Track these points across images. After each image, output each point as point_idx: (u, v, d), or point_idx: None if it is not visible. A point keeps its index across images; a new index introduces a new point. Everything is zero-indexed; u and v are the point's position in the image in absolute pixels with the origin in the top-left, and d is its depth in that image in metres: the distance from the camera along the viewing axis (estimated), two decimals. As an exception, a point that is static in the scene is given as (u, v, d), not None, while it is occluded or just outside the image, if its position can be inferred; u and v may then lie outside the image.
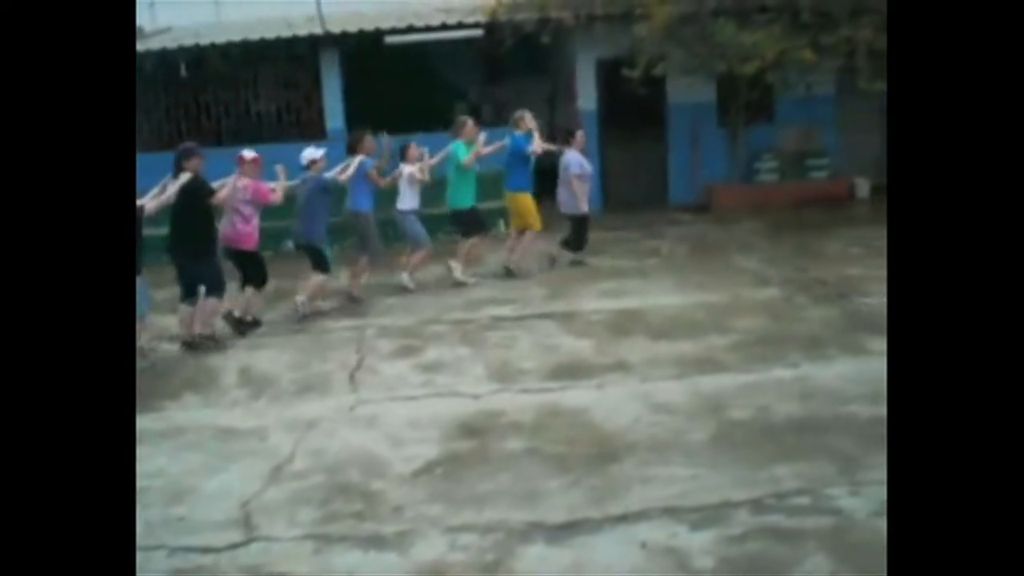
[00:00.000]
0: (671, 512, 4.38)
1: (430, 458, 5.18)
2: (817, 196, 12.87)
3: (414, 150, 9.12)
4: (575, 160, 9.67)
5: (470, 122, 9.36)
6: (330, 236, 8.71)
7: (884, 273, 8.44)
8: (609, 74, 12.50)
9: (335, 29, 12.32)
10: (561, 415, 5.72)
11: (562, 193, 9.82)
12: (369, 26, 12.34)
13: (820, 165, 13.38)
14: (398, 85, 13.73)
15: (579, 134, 9.93)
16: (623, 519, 4.35)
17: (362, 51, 12.75)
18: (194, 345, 7.62)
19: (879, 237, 10.45)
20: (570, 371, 6.52)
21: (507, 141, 9.42)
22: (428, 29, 12.25)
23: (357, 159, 8.68)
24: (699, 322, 7.56)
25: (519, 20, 12.09)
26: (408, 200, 9.06)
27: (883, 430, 5.13)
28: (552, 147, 9.79)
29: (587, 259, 9.97)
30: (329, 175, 8.56)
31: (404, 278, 9.14)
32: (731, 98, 12.65)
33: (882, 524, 4.21)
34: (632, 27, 11.35)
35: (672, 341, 7.07)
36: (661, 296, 8.52)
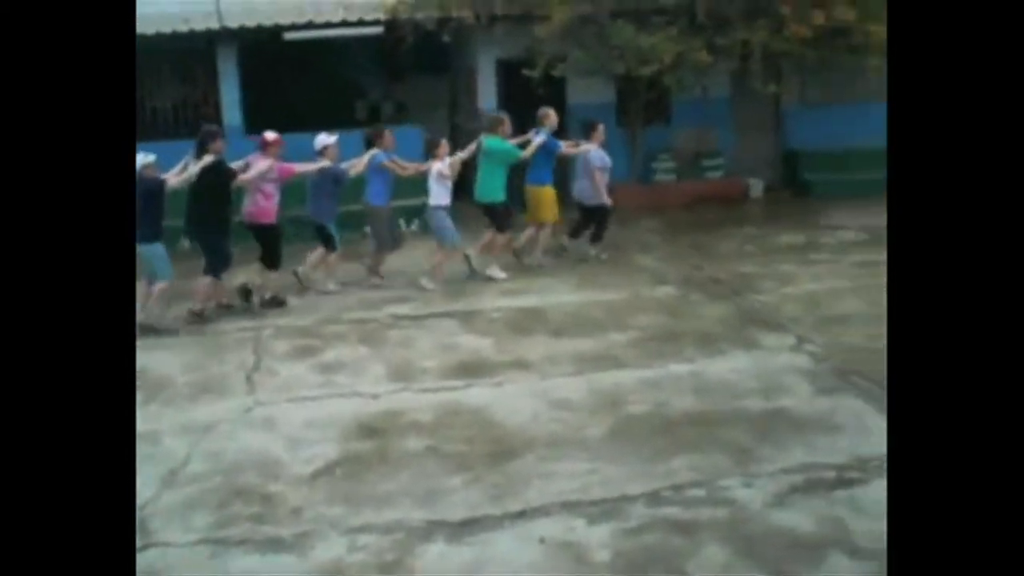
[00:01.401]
0: (569, 507, 4.44)
1: (329, 459, 5.13)
2: (713, 195, 13.16)
3: (443, 147, 9.21)
4: (596, 154, 9.78)
5: (507, 119, 9.42)
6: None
7: (776, 270, 8.67)
8: (510, 74, 12.55)
9: (233, 24, 12.04)
10: (461, 413, 5.73)
11: (583, 186, 9.97)
12: (267, 21, 12.10)
13: (715, 165, 13.69)
14: (297, 82, 13.50)
15: (600, 128, 9.96)
16: (522, 515, 4.38)
17: (261, 47, 12.51)
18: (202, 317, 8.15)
19: (771, 235, 10.85)
20: (470, 369, 6.53)
21: (543, 137, 9.43)
22: (328, 25, 12.09)
23: (370, 153, 8.92)
24: (598, 320, 7.66)
25: (420, 18, 12.02)
26: (438, 196, 9.08)
27: (776, 422, 5.37)
28: (578, 147, 9.93)
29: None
30: (343, 166, 8.87)
31: (424, 280, 9.09)
32: (630, 99, 12.83)
33: (776, 514, 4.36)
34: (532, 28, 11.41)
35: (572, 338, 7.15)
36: (562, 294, 8.60)
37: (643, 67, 10.98)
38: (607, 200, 9.88)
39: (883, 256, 9.54)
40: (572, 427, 5.43)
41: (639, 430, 5.36)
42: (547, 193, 9.67)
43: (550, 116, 9.59)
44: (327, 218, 8.86)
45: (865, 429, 5.31)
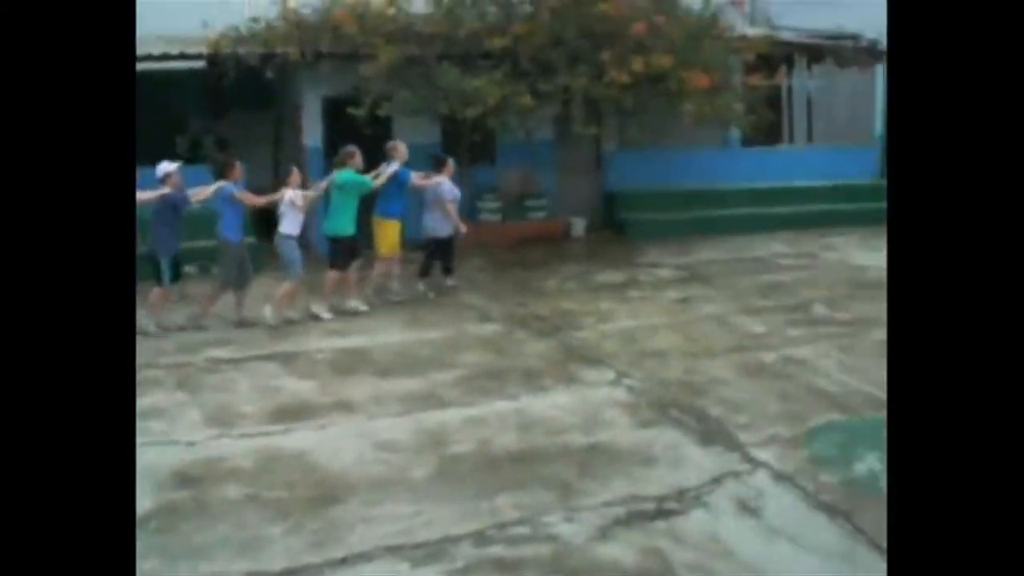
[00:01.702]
0: (393, 551, 4.38)
1: (143, 510, 4.86)
2: (536, 235, 13.49)
3: (296, 175, 9.12)
4: (447, 187, 10.04)
5: (357, 152, 9.39)
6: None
7: (596, 307, 8.88)
8: (335, 112, 12.46)
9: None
10: (282, 459, 5.58)
11: (432, 218, 10.11)
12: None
13: (539, 206, 14.03)
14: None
15: (450, 162, 10.23)
16: (344, 562, 4.29)
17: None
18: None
19: (592, 273, 11.19)
20: (292, 413, 6.37)
21: (395, 167, 9.59)
22: (149, 58, 11.66)
23: (218, 184, 8.82)
24: (424, 358, 7.65)
25: (243, 54, 11.80)
26: (289, 225, 8.96)
27: (596, 456, 5.50)
28: (429, 179, 10.05)
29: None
30: (185, 193, 8.65)
31: (267, 311, 8.84)
32: (455, 140, 12.99)
33: (599, 548, 4.45)
34: (358, 66, 11.40)
35: (397, 378, 7.10)
36: (388, 334, 8.55)
37: (468, 109, 11.16)
38: (462, 228, 10.21)
39: (698, 291, 9.97)
40: (397, 468, 5.38)
41: (464, 469, 5.37)
42: (392, 226, 9.82)
43: (399, 148, 9.82)
44: (165, 251, 8.61)
45: (682, 460, 5.52)
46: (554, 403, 6.47)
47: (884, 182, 15.56)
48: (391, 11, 11.97)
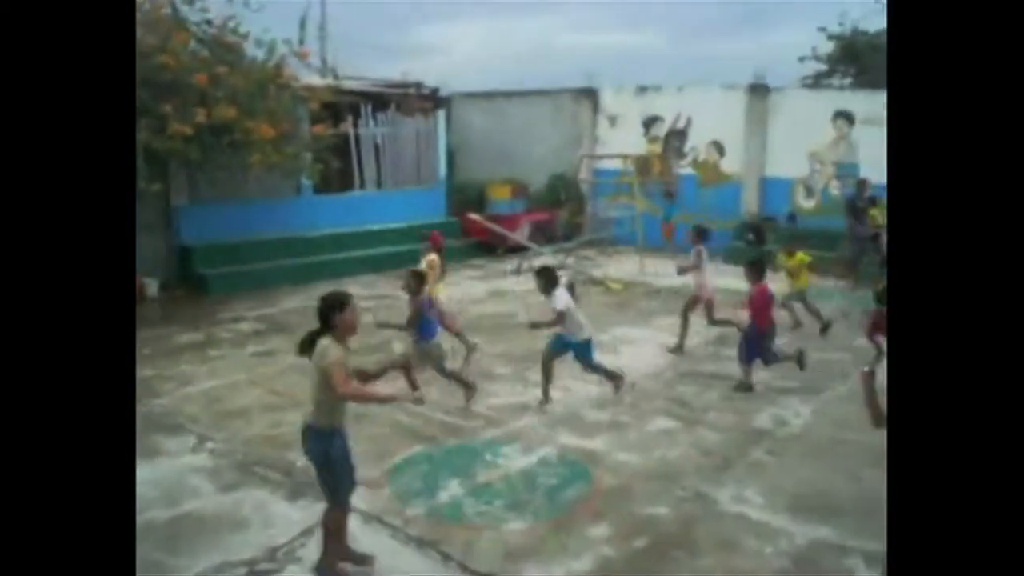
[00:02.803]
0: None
1: None
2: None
3: None
4: None
5: None
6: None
7: (176, 371, 8.46)
8: None
9: None
10: None
11: None
12: None
13: (107, 266, 13.13)
14: None
15: None
16: None
17: None
18: None
19: (170, 335, 10.66)
20: None
21: None
22: None
23: None
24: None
25: None
26: None
27: (183, 528, 5.27)
28: None
29: None
30: None
31: None
32: None
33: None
34: None
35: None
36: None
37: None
38: None
39: (279, 343, 9.84)
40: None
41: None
42: None
43: None
44: None
45: (270, 519, 5.50)
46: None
47: (452, 220, 16.72)
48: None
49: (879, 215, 13.08)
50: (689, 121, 17.67)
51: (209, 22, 12.16)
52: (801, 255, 10.74)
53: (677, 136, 17.89)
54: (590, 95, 19.02)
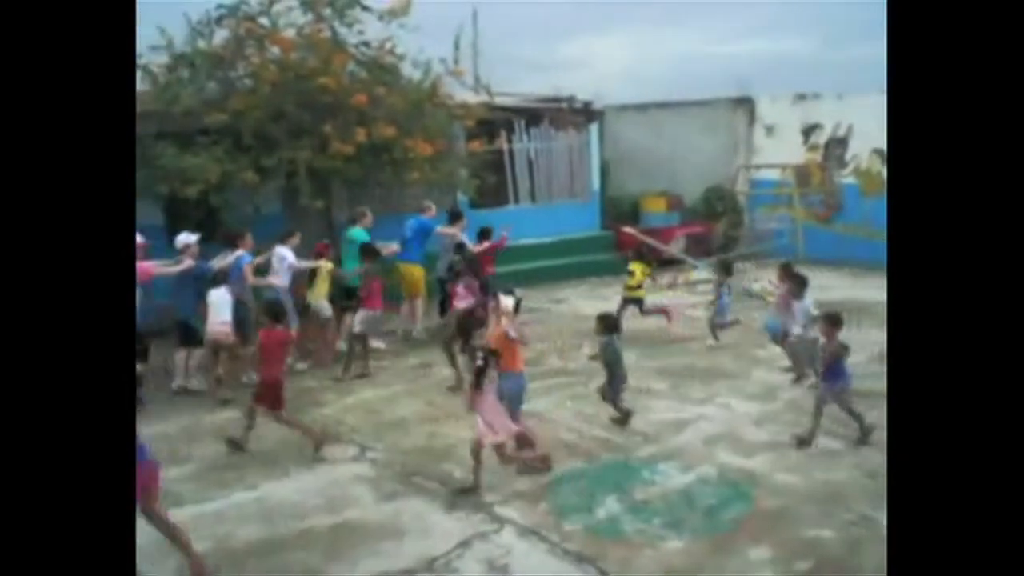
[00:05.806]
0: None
1: None
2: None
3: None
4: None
5: (369, 212, 11.29)
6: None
7: (338, 381, 8.60)
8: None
9: None
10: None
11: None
12: None
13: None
14: None
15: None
16: None
17: None
18: None
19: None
20: None
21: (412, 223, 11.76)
22: None
23: (236, 253, 9.54)
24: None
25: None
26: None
27: (343, 536, 5.37)
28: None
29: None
30: (210, 263, 9.32)
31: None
32: (179, 220, 12.46)
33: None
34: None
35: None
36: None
37: (188, 187, 10.74)
38: None
39: (436, 357, 9.90)
40: None
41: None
42: (418, 270, 11.70)
43: (367, 215, 11.23)
44: (185, 314, 9.06)
45: (428, 529, 5.52)
46: (297, 487, 6.32)
47: (606, 233, 16.61)
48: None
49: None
50: (850, 128, 16.96)
51: (367, 44, 12.47)
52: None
53: (838, 144, 17.20)
54: (746, 104, 18.55)
